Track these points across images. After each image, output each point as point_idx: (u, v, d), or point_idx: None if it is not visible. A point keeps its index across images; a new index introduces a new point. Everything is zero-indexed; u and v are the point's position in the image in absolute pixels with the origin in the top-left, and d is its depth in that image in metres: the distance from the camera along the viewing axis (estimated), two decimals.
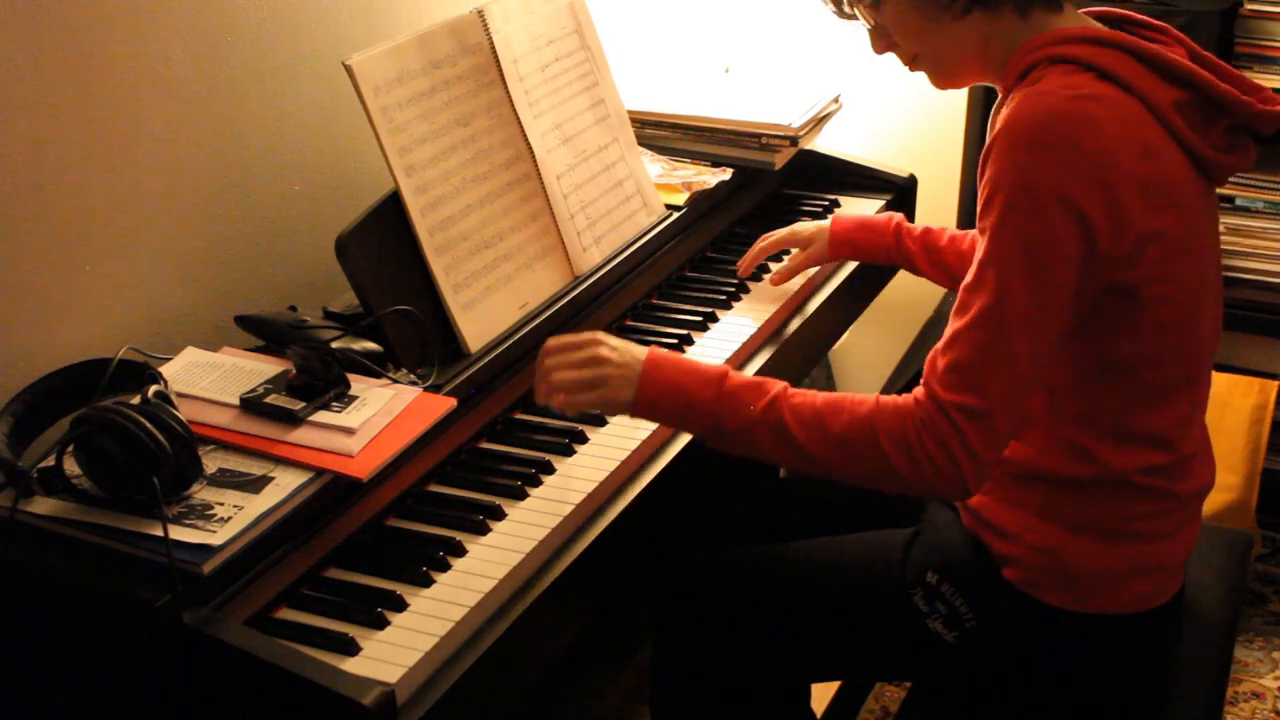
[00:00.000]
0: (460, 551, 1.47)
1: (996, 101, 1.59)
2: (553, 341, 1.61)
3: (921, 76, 1.64)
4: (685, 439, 1.73)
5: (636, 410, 1.55)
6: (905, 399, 1.47)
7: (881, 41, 1.63)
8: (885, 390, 2.86)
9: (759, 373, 1.90)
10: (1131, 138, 1.44)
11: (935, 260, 1.98)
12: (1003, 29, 1.53)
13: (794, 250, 2.09)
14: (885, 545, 1.72)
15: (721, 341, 1.93)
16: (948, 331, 1.47)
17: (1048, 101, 1.43)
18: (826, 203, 2.35)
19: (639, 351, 1.56)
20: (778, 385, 1.52)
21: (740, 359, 1.92)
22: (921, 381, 1.48)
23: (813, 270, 2.09)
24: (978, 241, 1.48)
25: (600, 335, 1.60)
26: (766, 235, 2.10)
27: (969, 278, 1.46)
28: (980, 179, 1.47)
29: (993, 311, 1.43)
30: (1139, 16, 1.57)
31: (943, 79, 1.64)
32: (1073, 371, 1.51)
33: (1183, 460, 1.57)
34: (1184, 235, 1.48)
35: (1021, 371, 1.44)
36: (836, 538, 1.77)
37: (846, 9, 1.65)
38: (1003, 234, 1.43)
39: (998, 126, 1.46)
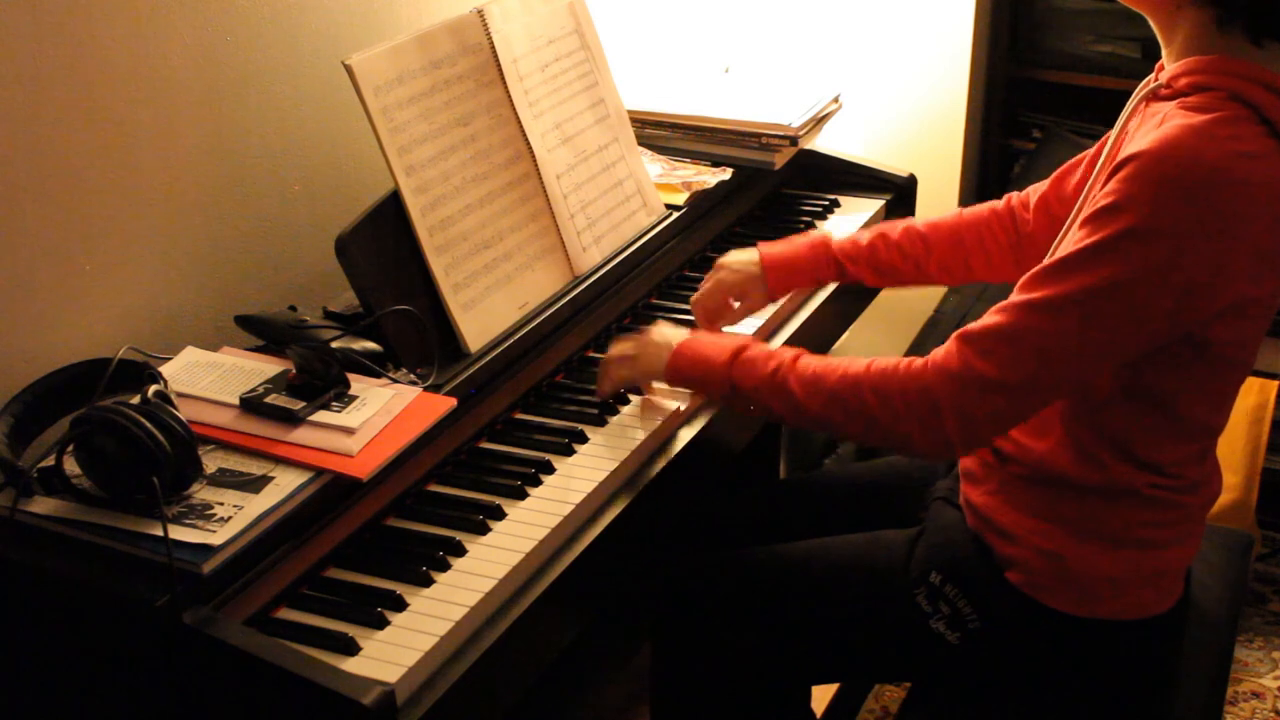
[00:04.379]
0: (460, 551, 1.47)
1: (1151, 85, 1.51)
2: (611, 345, 1.77)
3: (921, 76, 1.64)
4: (684, 439, 1.73)
5: (667, 376, 1.70)
6: (903, 361, 1.50)
7: None
8: None
9: None
10: (1272, 208, 1.39)
11: (881, 268, 1.89)
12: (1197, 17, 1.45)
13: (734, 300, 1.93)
14: (888, 545, 1.71)
15: None
16: (1009, 298, 1.46)
17: (1210, 149, 1.37)
18: (826, 202, 2.35)
19: (681, 331, 1.72)
20: (791, 352, 1.61)
21: None
22: (952, 337, 1.48)
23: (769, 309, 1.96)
24: (1071, 225, 1.44)
25: (658, 324, 1.77)
26: (699, 292, 1.91)
27: (1054, 261, 1.43)
28: (1110, 174, 1.41)
29: (1056, 314, 1.41)
30: None
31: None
32: (1107, 388, 1.50)
33: (1191, 483, 1.57)
34: (1273, 302, 1.46)
35: (1051, 377, 1.43)
36: (837, 538, 1.77)
37: None
38: (1104, 255, 1.39)
39: (1149, 143, 1.38)
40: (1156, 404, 1.50)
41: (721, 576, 1.77)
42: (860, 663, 1.78)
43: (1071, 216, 1.53)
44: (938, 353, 1.49)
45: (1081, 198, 1.52)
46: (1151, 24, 1.53)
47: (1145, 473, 1.53)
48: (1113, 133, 1.57)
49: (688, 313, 1.98)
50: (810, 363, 1.58)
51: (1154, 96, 1.51)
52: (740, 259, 1.91)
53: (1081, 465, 1.54)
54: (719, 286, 1.90)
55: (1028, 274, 1.46)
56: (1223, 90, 1.41)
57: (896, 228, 1.90)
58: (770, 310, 1.99)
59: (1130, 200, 1.38)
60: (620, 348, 1.74)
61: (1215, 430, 1.57)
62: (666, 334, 1.72)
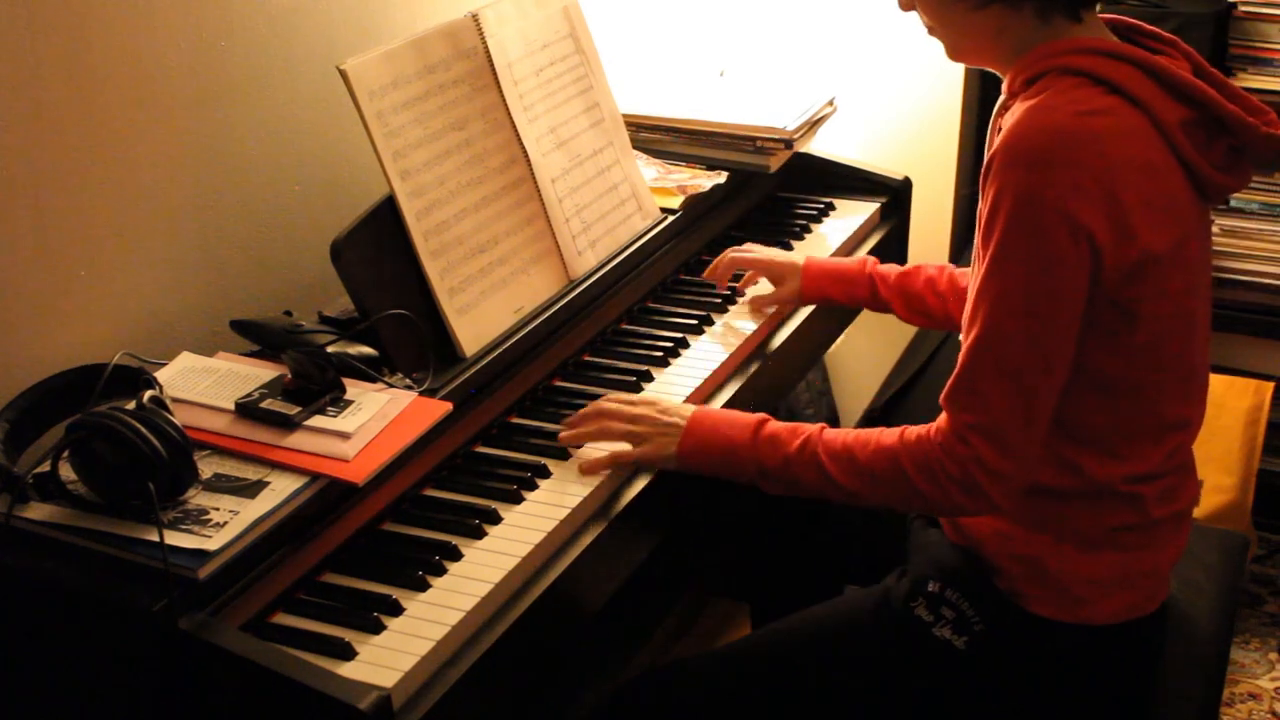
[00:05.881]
0: (456, 556, 1.47)
1: (999, 103, 1.57)
2: (607, 399, 1.69)
3: (916, 79, 1.65)
4: None
5: (682, 460, 1.62)
6: (927, 426, 1.51)
7: (907, 1, 1.60)
8: (880, 391, 2.87)
9: (755, 374, 1.91)
10: (1136, 154, 1.43)
11: (914, 306, 1.93)
12: (1019, 26, 1.50)
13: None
14: (862, 596, 1.70)
15: (718, 344, 1.93)
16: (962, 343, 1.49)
17: (1053, 119, 1.42)
18: (821, 205, 2.36)
19: (684, 409, 1.65)
20: (814, 427, 1.58)
21: (736, 362, 1.92)
22: (940, 403, 1.50)
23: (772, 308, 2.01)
24: (978, 256, 1.48)
25: (650, 397, 1.70)
26: (741, 248, 2.05)
27: (972, 295, 1.47)
28: (982, 189, 1.46)
29: (997, 328, 1.44)
30: (1147, 27, 1.55)
31: (953, 55, 1.61)
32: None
33: (1163, 489, 1.56)
34: (1179, 253, 1.47)
35: (1029, 387, 1.45)
36: (797, 616, 1.73)
37: None
38: (1006, 252, 1.43)
39: (999, 140, 1.45)
40: (1115, 393, 1.50)
41: (706, 686, 1.72)
42: (871, 708, 1.69)
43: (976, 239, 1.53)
44: (939, 420, 1.50)
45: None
46: (995, 71, 1.57)
47: (1115, 475, 1.52)
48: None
49: (683, 316, 1.99)
50: (837, 436, 1.56)
51: (1004, 110, 1.55)
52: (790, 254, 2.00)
53: (1059, 473, 1.54)
54: (769, 265, 2.00)
55: (965, 313, 1.49)
56: (1053, 70, 1.47)
57: (933, 266, 1.93)
58: (768, 313, 2.01)
59: (1003, 192, 1.42)
60: (622, 427, 1.64)
61: (1180, 426, 1.56)
62: (670, 407, 1.64)
